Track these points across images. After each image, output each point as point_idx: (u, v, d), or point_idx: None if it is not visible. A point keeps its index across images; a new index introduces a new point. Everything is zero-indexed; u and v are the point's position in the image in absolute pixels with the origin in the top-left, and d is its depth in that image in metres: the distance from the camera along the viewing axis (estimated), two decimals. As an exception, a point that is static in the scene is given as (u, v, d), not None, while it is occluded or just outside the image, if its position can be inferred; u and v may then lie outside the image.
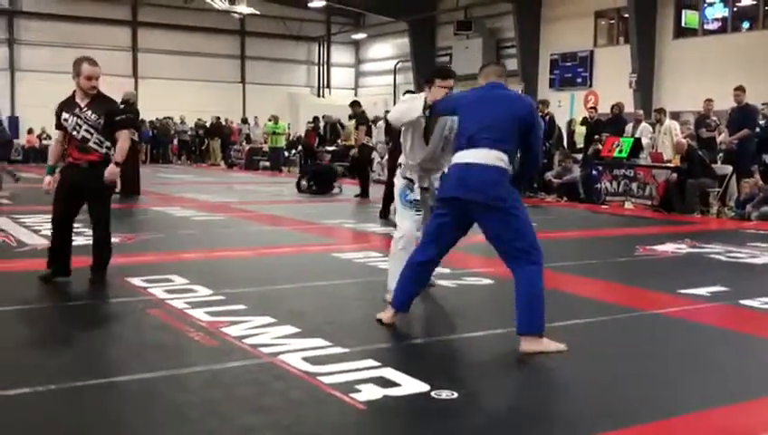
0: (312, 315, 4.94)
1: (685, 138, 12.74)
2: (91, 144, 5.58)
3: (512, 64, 24.73)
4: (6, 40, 29.82)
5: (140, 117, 15.90)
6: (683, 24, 21.87)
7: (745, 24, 21.04)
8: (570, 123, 17.86)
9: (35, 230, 8.40)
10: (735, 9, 21.02)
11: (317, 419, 3.21)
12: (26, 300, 5.33)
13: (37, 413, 3.24)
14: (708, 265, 7.31)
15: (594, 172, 13.79)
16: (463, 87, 5.43)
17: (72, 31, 29.51)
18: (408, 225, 5.19)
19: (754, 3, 20.63)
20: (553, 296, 4.88)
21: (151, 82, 31.01)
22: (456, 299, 5.68)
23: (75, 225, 5.86)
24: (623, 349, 4.45)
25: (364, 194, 13.96)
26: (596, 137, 14.45)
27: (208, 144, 27.11)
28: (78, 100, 5.63)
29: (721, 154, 13.18)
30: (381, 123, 16.79)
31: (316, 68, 36.11)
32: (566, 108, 22.60)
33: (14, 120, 27.38)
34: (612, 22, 24.26)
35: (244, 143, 26.29)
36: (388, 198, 10.50)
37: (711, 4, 21.31)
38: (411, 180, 5.24)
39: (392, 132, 11.98)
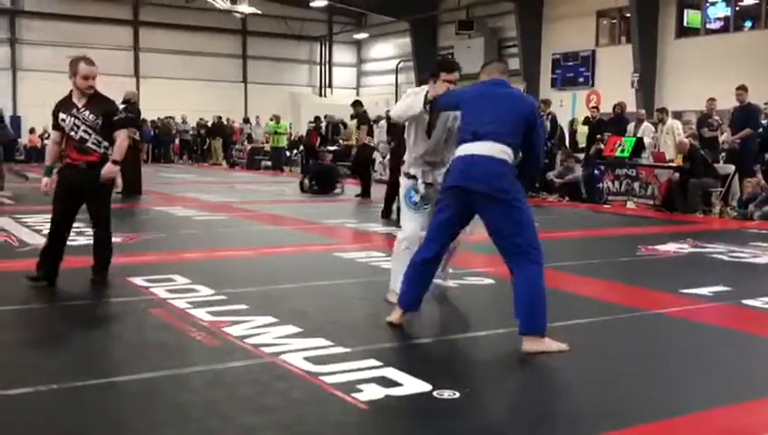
0: (314, 315, 4.94)
1: (687, 137, 12.73)
2: (89, 145, 5.53)
3: (514, 64, 24.71)
4: (8, 39, 29.88)
5: (142, 116, 15.89)
6: (685, 24, 21.86)
7: (748, 24, 21.02)
8: (572, 123, 17.87)
9: (37, 230, 8.39)
10: (738, 8, 21.01)
11: (319, 418, 3.20)
12: (28, 300, 5.33)
13: (37, 413, 3.24)
14: (711, 264, 7.30)
15: (596, 172, 13.78)
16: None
17: (74, 30, 29.55)
18: (411, 226, 5.18)
19: (757, 2, 20.61)
20: (555, 296, 4.88)
21: (153, 82, 31.06)
22: (457, 299, 5.67)
23: (77, 224, 5.85)
24: (625, 349, 4.44)
25: (366, 194, 13.96)
26: (598, 136, 14.45)
27: (210, 144, 27.14)
28: (75, 100, 5.57)
29: (723, 154, 13.17)
30: (383, 123, 16.79)
31: (318, 68, 36.13)
32: (568, 107, 22.61)
33: (15, 120, 27.40)
34: (614, 21, 24.25)
35: (245, 143, 26.30)
36: (390, 197, 10.50)
37: (713, 4, 21.29)
38: (415, 177, 5.20)
39: (394, 132, 12.01)
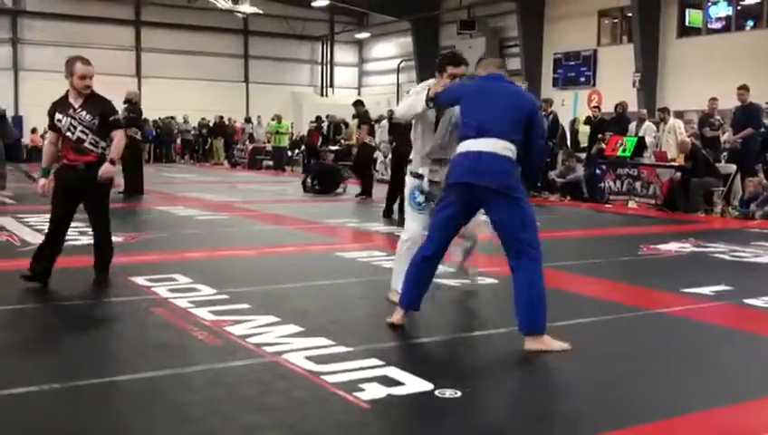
0: (316, 314, 4.94)
1: (689, 137, 12.72)
2: (86, 145, 5.50)
3: (515, 63, 24.72)
4: (10, 39, 29.91)
5: (144, 116, 15.90)
6: (686, 23, 21.85)
7: (749, 23, 21.00)
8: (573, 122, 17.83)
9: (39, 230, 8.38)
10: (739, 8, 21.00)
11: (321, 418, 3.20)
12: (27, 299, 5.33)
13: (37, 413, 3.24)
14: (712, 264, 7.30)
15: (598, 171, 13.77)
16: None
17: (76, 30, 29.57)
18: (414, 226, 5.17)
19: (758, 1, 20.57)
20: (557, 296, 4.88)
21: (154, 82, 31.08)
22: (459, 298, 5.68)
23: (79, 224, 5.85)
24: (626, 348, 4.44)
25: (367, 194, 13.96)
26: (599, 136, 14.43)
27: (212, 143, 27.14)
28: (71, 100, 5.53)
29: (725, 153, 13.16)
30: (385, 123, 16.79)
31: (319, 67, 36.13)
32: (569, 107, 22.59)
33: (17, 120, 27.39)
34: (616, 21, 24.23)
35: (247, 142, 26.30)
36: (392, 197, 10.50)
37: (715, 3, 21.28)
38: (422, 176, 5.17)
39: (396, 131, 11.99)
